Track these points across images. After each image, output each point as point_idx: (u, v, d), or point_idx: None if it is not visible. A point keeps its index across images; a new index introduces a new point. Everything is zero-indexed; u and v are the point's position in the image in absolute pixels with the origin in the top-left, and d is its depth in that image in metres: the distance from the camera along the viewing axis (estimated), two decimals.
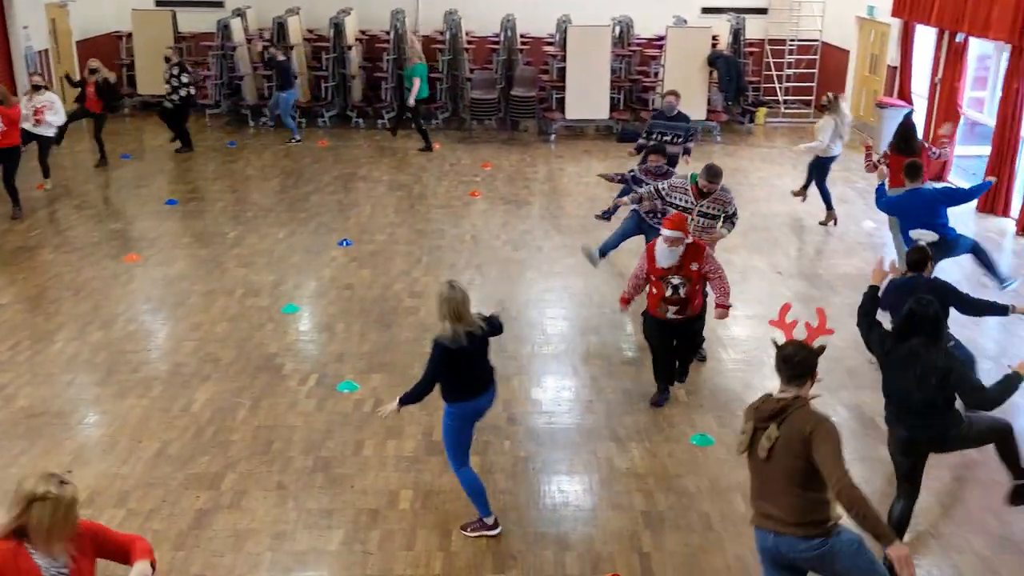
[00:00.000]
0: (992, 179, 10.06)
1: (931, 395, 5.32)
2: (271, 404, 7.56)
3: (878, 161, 9.94)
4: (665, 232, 7.03)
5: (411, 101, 15.50)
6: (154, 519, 6.08)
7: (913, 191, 8.52)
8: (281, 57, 15.69)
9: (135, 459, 6.75)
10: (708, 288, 7.50)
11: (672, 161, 10.39)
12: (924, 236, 7.93)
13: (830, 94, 12.26)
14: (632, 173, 9.74)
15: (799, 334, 4.96)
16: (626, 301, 7.46)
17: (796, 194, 12.57)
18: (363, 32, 18.44)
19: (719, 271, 7.23)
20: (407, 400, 5.63)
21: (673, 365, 7.60)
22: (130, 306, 9.43)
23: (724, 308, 7.35)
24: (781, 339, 4.67)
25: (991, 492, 6.36)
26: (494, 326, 5.81)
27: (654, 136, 11.00)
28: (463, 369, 5.56)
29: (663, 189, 8.30)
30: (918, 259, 6.71)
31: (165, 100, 15.27)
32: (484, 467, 6.69)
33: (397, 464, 6.74)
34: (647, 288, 7.31)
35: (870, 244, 11.37)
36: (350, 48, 17.37)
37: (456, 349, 5.47)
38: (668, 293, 7.12)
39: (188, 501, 6.28)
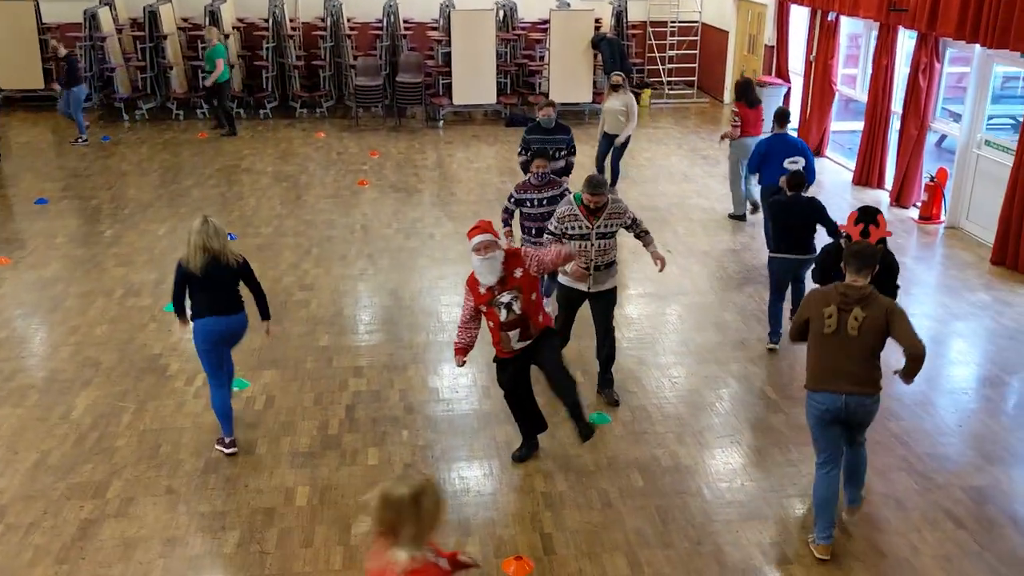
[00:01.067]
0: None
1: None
2: (157, 407, 7.28)
3: (729, 130, 11.48)
4: (473, 243, 6.04)
5: (209, 82, 15.13)
6: (35, 533, 5.78)
7: (781, 135, 9.92)
8: (63, 52, 15.01)
9: (12, 471, 6.40)
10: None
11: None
12: (797, 162, 9.40)
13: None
14: (511, 197, 8.41)
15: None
16: (462, 351, 6.37)
17: None
18: (240, 20, 17.93)
19: (537, 254, 6.31)
20: (173, 307, 6.60)
21: (535, 410, 6.66)
22: (1, 312, 8.94)
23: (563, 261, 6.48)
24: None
25: (875, 454, 6.61)
26: (248, 271, 6.54)
27: (531, 153, 9.24)
28: (202, 290, 6.35)
29: (556, 227, 7.13)
30: (798, 180, 8.10)
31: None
32: (382, 457, 6.59)
33: (292, 461, 6.58)
34: (485, 326, 6.42)
35: (755, 220, 11.66)
36: (227, 37, 16.84)
37: (192, 271, 6.26)
38: (503, 317, 6.15)
39: (71, 512, 6.00)
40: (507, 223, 8.58)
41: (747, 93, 11.28)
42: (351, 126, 16.62)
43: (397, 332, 8.61)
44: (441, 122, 16.77)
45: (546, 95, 10.09)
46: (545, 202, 8.25)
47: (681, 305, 9.22)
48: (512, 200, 8.42)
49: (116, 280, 9.68)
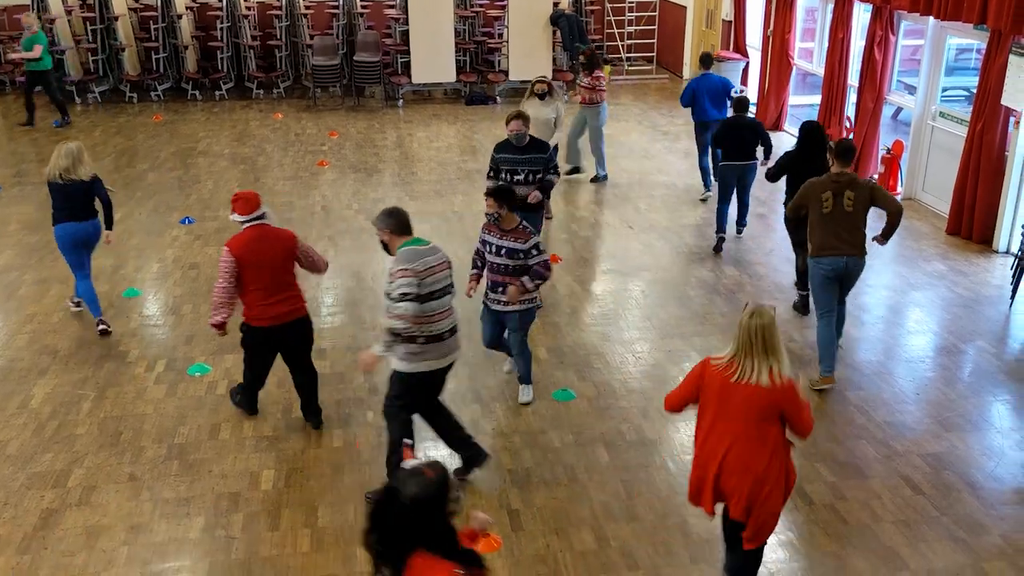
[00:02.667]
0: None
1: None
2: (117, 393, 7.19)
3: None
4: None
5: (17, 57, 14.66)
6: None
7: (706, 75, 11.48)
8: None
9: None
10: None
11: (530, 207, 7.96)
12: (739, 91, 10.85)
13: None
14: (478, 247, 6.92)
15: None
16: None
17: None
18: (194, 0, 17.62)
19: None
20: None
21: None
22: None
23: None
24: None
25: (835, 424, 6.71)
26: (98, 185, 7.92)
27: (502, 175, 8.06)
28: (60, 200, 7.80)
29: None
30: (743, 103, 9.89)
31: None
32: (347, 439, 6.57)
33: (257, 444, 6.54)
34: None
35: (714, 194, 11.73)
36: (180, 17, 16.57)
37: (53, 183, 7.76)
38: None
39: (32, 502, 5.92)
40: (476, 266, 6.90)
41: (597, 61, 12.06)
42: (309, 106, 16.44)
43: (359, 313, 8.56)
44: (400, 101, 16.64)
45: (519, 111, 8.17)
46: (504, 252, 6.59)
47: (644, 281, 9.27)
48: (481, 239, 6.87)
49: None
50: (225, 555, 5.48)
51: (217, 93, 16.91)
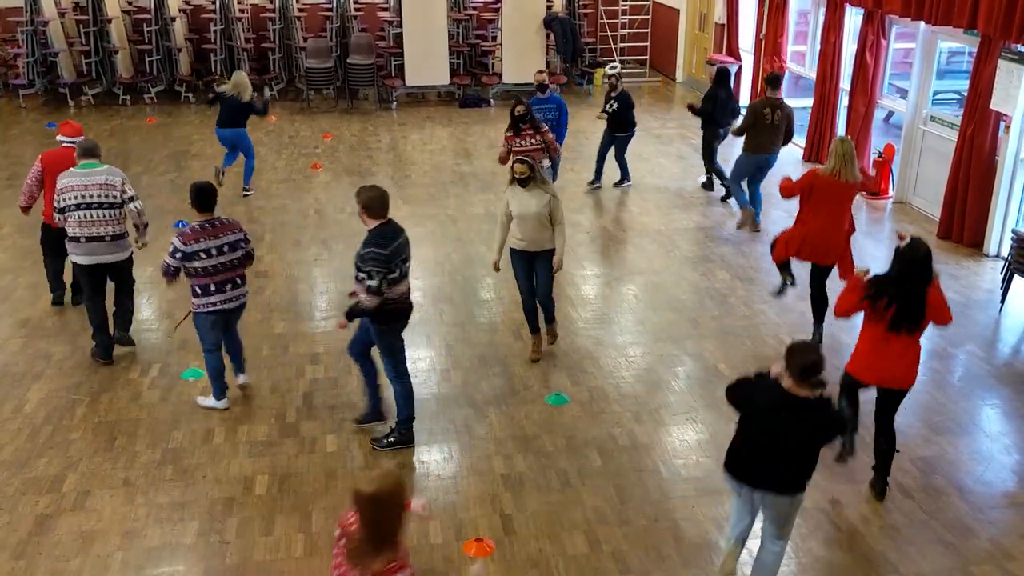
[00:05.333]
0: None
1: None
2: (111, 398, 7.20)
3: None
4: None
5: None
6: None
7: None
8: None
9: None
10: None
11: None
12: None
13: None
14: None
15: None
16: None
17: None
18: (187, 2, 17.62)
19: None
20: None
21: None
22: None
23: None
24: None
25: None
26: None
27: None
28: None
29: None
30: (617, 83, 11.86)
31: None
32: (341, 445, 6.60)
33: (251, 449, 6.56)
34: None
35: (706, 198, 11.79)
36: (174, 19, 16.57)
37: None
38: None
39: (27, 507, 5.93)
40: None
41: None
42: (303, 109, 16.45)
43: None
44: (394, 104, 16.66)
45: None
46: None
47: (636, 284, 9.31)
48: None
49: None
50: (219, 560, 5.50)
51: (211, 95, 16.87)
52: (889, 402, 5.87)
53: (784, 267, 8.14)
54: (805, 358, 4.52)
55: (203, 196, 6.76)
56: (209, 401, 7.03)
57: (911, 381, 5.78)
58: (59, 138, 8.34)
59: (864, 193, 8.19)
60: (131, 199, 7.60)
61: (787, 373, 4.56)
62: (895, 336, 5.66)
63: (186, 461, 6.43)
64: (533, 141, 9.54)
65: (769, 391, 4.65)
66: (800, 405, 4.56)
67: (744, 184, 10.64)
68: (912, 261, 5.72)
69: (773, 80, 10.42)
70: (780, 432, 4.61)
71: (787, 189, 7.80)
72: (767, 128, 10.16)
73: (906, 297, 5.66)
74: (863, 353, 5.82)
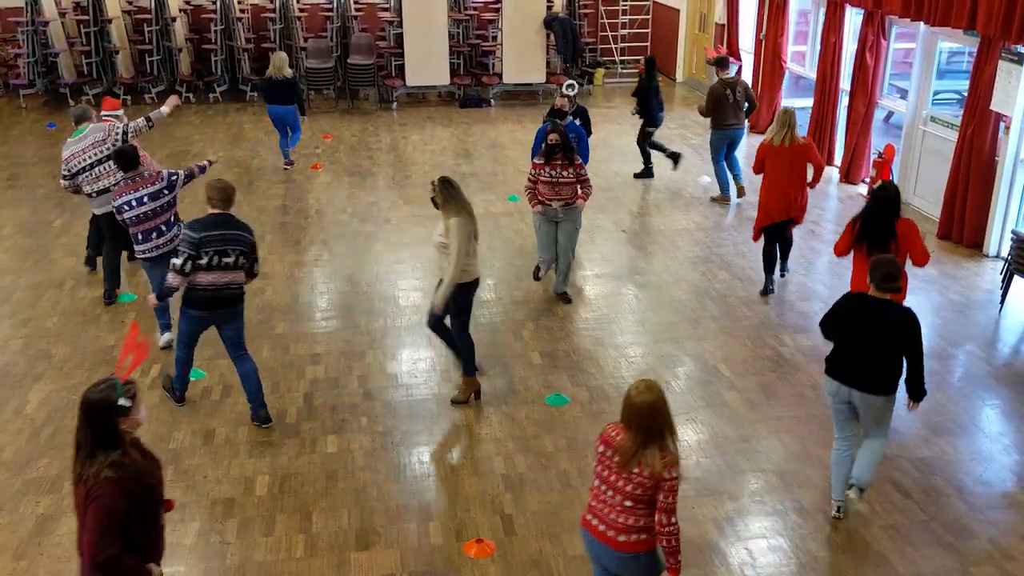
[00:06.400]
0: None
1: None
2: None
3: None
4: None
5: None
6: None
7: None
8: None
9: None
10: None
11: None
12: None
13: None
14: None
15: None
16: None
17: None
18: (187, 2, 17.63)
19: None
20: None
21: None
22: None
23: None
24: None
25: (824, 429, 6.75)
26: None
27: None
28: None
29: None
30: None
31: None
32: (342, 445, 6.61)
33: (251, 450, 6.57)
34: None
35: (706, 198, 11.79)
36: (174, 19, 16.58)
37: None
38: None
39: (28, 507, 5.95)
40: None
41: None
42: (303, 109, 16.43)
43: (354, 318, 8.60)
44: (395, 104, 16.67)
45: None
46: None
47: (636, 285, 9.32)
48: None
49: (66, 271, 9.54)
50: (220, 561, 5.52)
51: (211, 95, 16.92)
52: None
53: (768, 268, 9.06)
54: (886, 268, 5.47)
55: (122, 156, 7.55)
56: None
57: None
58: (102, 114, 9.40)
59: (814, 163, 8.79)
60: (124, 133, 8.59)
61: (871, 282, 5.50)
62: (867, 255, 6.53)
63: (186, 461, 6.44)
64: (565, 173, 8.54)
65: (854, 297, 5.69)
66: (881, 306, 5.47)
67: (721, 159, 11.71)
68: (882, 199, 6.66)
69: (722, 62, 11.55)
70: (867, 331, 5.46)
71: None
72: (731, 106, 11.30)
73: (875, 221, 6.65)
74: (854, 276, 6.91)
